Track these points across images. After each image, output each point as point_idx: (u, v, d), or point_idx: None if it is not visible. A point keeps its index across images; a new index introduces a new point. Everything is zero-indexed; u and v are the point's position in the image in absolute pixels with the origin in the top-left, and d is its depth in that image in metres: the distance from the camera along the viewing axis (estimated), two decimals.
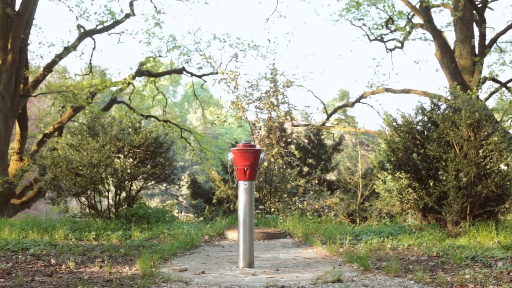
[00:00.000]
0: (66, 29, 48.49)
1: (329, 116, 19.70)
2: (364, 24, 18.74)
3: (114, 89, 17.53)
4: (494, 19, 65.12)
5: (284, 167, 12.03)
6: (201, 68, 17.98)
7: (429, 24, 14.95)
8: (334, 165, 20.28)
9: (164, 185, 10.15)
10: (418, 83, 74.36)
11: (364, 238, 7.88)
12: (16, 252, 6.53)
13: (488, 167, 8.06)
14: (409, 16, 17.80)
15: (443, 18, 64.63)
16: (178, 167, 18.06)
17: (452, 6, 15.11)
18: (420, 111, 8.73)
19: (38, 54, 31.16)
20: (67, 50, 16.54)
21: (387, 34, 19.11)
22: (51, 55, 19.09)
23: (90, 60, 18.66)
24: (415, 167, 8.44)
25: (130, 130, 9.49)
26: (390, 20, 18.24)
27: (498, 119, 13.45)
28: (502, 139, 8.02)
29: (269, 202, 11.62)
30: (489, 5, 16.12)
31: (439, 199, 8.09)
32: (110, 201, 9.30)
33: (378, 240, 7.54)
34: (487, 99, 15.18)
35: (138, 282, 5.01)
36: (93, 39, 17.99)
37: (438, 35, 14.96)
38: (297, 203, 12.59)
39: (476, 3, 14.57)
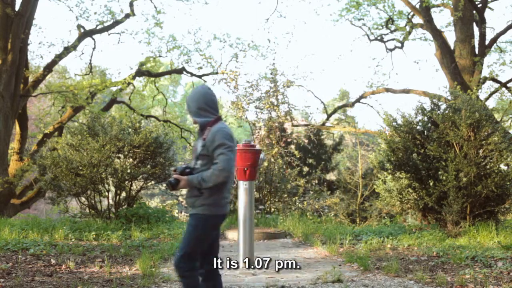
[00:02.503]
0: (66, 29, 48.49)
1: (329, 116, 19.69)
2: (364, 24, 18.73)
3: (114, 89, 17.48)
4: (494, 19, 65.08)
5: (284, 167, 12.03)
6: (201, 68, 17.95)
7: (429, 24, 14.93)
8: (334, 165, 20.24)
9: (164, 185, 10.14)
10: (418, 83, 74.21)
11: (364, 238, 7.87)
12: (16, 252, 6.52)
13: (488, 167, 8.06)
14: (409, 16, 17.78)
15: (443, 18, 64.60)
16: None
17: (452, 6, 15.10)
18: (420, 111, 8.73)
19: (38, 54, 31.29)
20: (67, 50, 16.50)
21: (387, 34, 19.09)
22: (51, 55, 19.10)
23: (90, 60, 18.65)
24: (415, 167, 8.44)
25: (130, 130, 9.49)
26: (390, 20, 18.22)
27: (498, 119, 13.43)
28: (502, 139, 8.01)
29: (269, 202, 11.61)
30: (489, 5, 16.11)
31: (439, 199, 8.09)
32: (110, 201, 9.30)
33: (378, 240, 7.54)
34: (487, 99, 15.18)
35: (138, 282, 5.01)
36: (93, 39, 17.96)
37: (438, 35, 14.94)
38: (297, 203, 12.57)
39: (476, 3, 14.56)
